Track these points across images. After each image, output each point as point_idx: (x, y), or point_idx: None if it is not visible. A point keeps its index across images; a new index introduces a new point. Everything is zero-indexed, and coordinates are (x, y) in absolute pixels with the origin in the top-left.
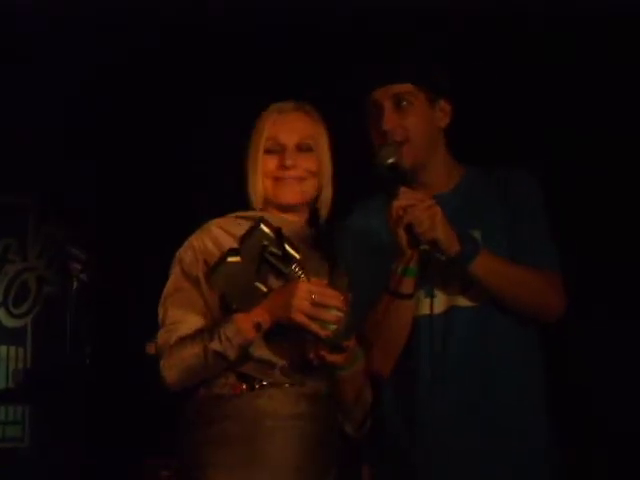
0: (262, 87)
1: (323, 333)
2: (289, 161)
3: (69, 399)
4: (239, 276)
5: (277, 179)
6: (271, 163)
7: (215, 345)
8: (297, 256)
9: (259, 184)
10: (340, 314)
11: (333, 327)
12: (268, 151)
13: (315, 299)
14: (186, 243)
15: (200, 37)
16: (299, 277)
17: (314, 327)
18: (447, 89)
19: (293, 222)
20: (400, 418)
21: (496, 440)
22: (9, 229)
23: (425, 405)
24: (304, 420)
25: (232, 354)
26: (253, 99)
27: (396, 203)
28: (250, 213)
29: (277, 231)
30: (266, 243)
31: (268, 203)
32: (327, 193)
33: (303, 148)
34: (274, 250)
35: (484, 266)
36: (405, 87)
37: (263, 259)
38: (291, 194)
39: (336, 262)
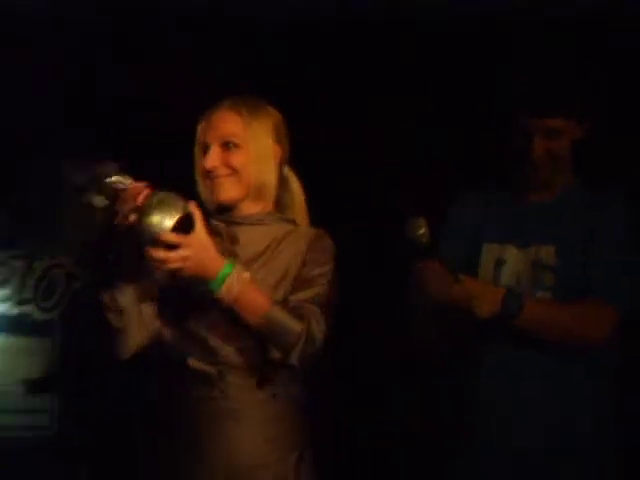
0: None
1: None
2: (209, 163)
3: (95, 389)
4: None
5: (211, 180)
6: (203, 165)
7: None
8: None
9: (200, 188)
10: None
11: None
12: (204, 153)
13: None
14: None
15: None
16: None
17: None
18: (594, 111)
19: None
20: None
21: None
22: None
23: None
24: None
25: None
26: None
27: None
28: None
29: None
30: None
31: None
32: (265, 183)
33: (229, 146)
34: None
35: (525, 321)
36: (558, 121)
37: None
38: (220, 192)
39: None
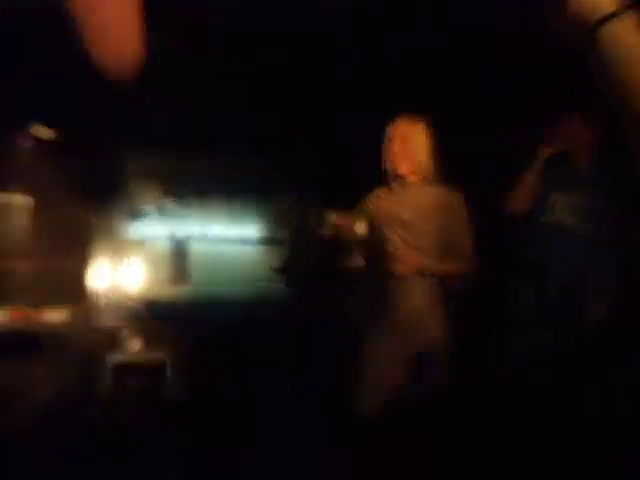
0: None
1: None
2: (395, 148)
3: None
4: None
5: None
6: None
7: None
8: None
9: (387, 165)
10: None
11: None
12: (390, 141)
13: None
14: None
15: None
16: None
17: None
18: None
19: (410, 183)
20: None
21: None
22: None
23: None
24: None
25: None
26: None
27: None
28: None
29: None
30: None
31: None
32: (424, 165)
33: (404, 141)
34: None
35: None
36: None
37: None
38: (399, 168)
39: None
